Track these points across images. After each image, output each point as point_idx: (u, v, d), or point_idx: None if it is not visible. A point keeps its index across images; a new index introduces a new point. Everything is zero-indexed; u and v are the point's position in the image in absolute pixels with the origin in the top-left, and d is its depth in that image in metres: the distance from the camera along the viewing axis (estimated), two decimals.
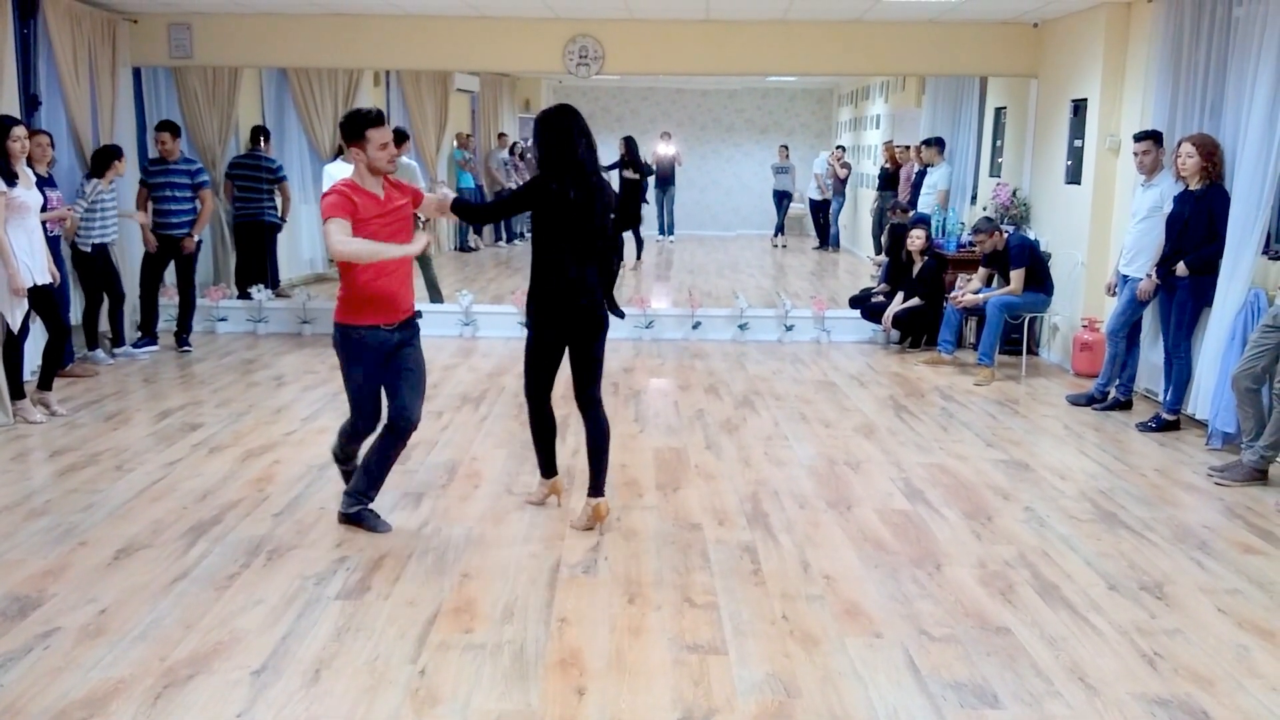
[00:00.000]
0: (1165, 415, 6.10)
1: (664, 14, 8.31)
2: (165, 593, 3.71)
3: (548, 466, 4.67)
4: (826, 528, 4.48)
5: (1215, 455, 5.60)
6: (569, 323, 4.36)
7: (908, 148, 12.07)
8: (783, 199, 17.37)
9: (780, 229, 17.36)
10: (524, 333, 4.62)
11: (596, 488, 4.47)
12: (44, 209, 6.21)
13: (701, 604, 3.70)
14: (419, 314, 4.45)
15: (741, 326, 8.90)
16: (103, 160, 7.24)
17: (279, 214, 9.71)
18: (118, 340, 7.68)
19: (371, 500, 4.43)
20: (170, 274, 8.13)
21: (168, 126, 7.88)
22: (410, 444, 5.54)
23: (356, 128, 4.12)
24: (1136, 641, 3.46)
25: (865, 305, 8.87)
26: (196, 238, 8.07)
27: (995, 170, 9.81)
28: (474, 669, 3.21)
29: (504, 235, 16.37)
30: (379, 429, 4.39)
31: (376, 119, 4.16)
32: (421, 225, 4.53)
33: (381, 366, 4.28)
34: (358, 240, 4.05)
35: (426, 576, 3.90)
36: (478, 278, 12.35)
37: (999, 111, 9.80)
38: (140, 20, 8.37)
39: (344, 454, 4.57)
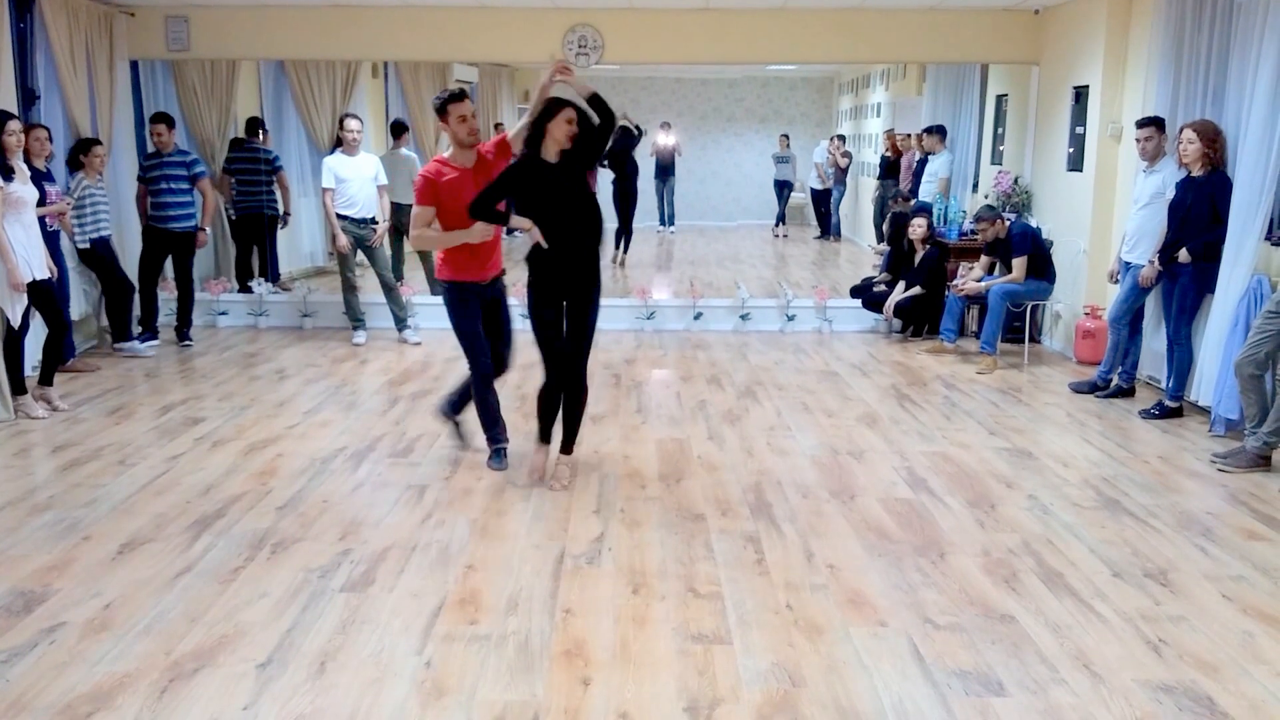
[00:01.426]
0: (1168, 402, 6.10)
1: (663, 3, 8.28)
2: (169, 587, 3.72)
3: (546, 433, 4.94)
4: (830, 517, 4.48)
5: (1218, 442, 5.59)
6: (560, 285, 4.65)
7: (909, 136, 12.04)
8: (784, 188, 17.34)
9: (781, 219, 17.33)
10: (526, 325, 4.78)
11: (566, 446, 4.94)
12: (43, 203, 6.20)
13: (706, 594, 3.70)
14: (504, 272, 5.10)
15: (743, 317, 8.89)
16: (78, 155, 7.21)
17: (280, 207, 9.69)
18: (118, 335, 7.68)
19: (502, 439, 5.13)
20: (170, 268, 8.13)
21: (163, 118, 7.87)
22: (412, 436, 5.62)
23: (441, 105, 4.73)
24: (1141, 628, 3.46)
25: (867, 294, 8.86)
26: (206, 230, 8.10)
27: (997, 158, 9.78)
28: (479, 660, 3.22)
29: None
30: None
31: (456, 95, 4.73)
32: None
33: (481, 317, 4.92)
34: (429, 233, 4.76)
35: (431, 568, 3.90)
36: None
37: (1000, 99, 9.78)
38: (137, 13, 8.35)
39: (455, 406, 5.26)
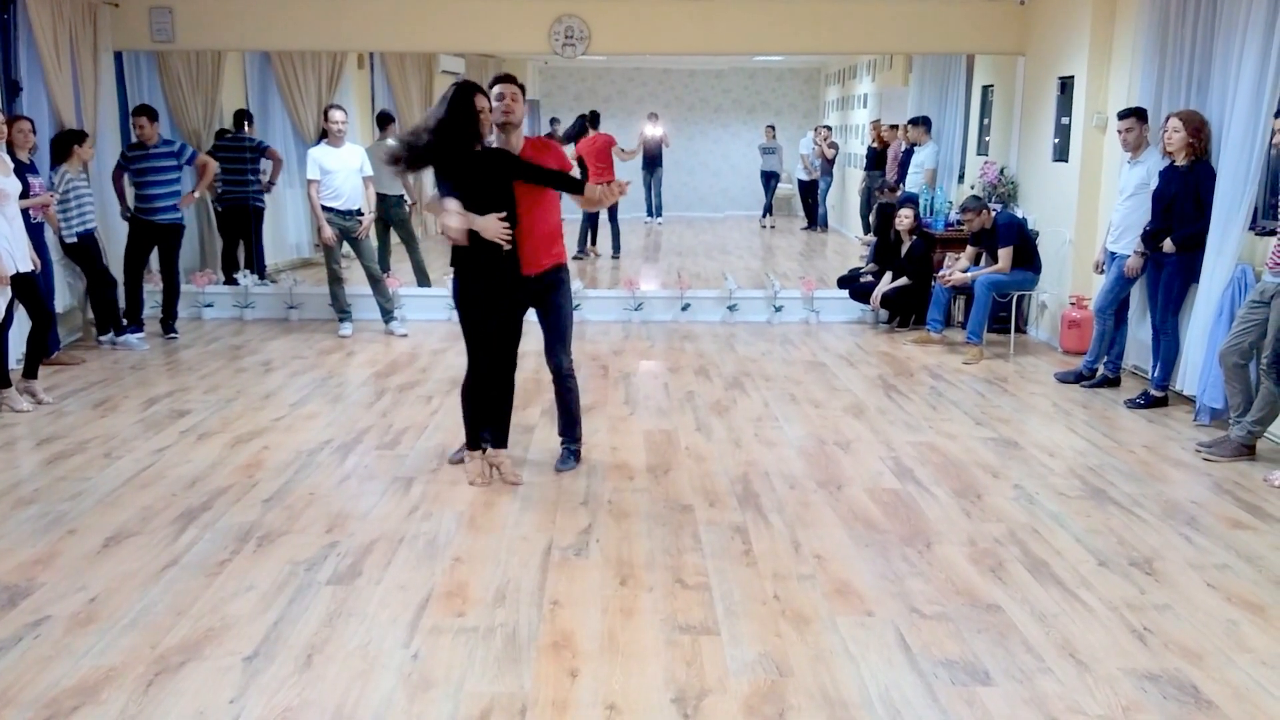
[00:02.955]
0: (1153, 392, 6.13)
1: None
2: (155, 580, 3.70)
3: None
4: (817, 508, 4.49)
5: (1203, 431, 5.62)
6: (479, 281, 4.54)
7: (895, 127, 12.05)
8: (771, 179, 17.33)
9: (768, 210, 17.33)
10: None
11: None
12: (25, 196, 6.15)
13: (693, 585, 3.70)
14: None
15: (731, 308, 8.90)
16: (62, 147, 7.15)
17: (268, 179, 9.58)
18: (104, 328, 7.63)
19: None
20: (155, 260, 8.08)
21: (144, 111, 7.81)
22: (399, 428, 5.61)
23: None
24: (1126, 617, 3.48)
25: (854, 285, 8.87)
26: (197, 194, 8.15)
27: (982, 148, 9.80)
28: (466, 652, 3.21)
29: None
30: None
31: (498, 79, 4.56)
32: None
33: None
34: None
35: (418, 561, 3.90)
36: None
37: (986, 89, 9.79)
38: (121, 4, 8.28)
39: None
